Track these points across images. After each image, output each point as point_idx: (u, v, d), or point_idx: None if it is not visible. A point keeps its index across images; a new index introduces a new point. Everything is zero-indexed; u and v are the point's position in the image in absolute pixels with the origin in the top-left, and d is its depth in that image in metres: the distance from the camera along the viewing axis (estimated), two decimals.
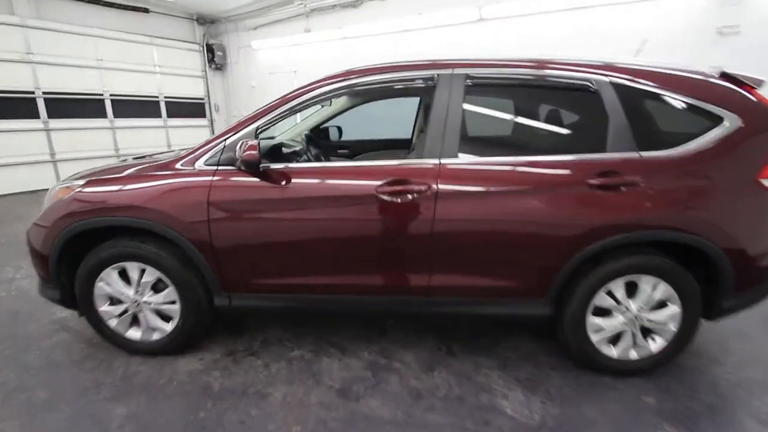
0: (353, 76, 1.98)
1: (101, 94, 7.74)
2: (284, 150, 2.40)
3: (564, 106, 2.01)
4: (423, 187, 1.79)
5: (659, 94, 1.80)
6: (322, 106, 2.96)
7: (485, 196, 1.81)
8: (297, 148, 2.55)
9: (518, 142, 2.06)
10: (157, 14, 8.55)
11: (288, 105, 1.97)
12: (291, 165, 1.94)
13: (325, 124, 3.25)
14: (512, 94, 2.05)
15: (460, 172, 1.83)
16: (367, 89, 2.05)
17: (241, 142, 1.82)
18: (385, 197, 1.80)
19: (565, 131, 2.02)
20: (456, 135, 1.84)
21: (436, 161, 1.82)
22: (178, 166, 1.96)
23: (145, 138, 8.45)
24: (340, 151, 3.42)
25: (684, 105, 1.78)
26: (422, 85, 1.97)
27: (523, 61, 1.91)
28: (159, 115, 8.79)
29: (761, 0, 4.23)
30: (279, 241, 1.91)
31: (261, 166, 1.83)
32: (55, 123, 7.12)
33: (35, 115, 6.88)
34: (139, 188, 1.95)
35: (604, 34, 5.07)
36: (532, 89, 1.95)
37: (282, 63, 8.66)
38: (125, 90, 8.08)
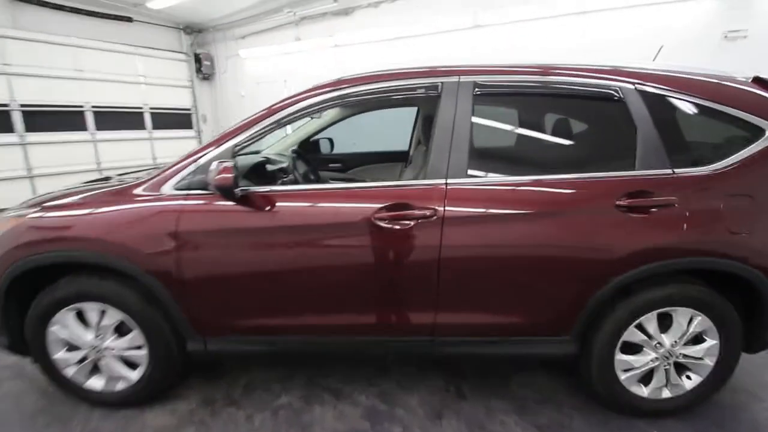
0: (345, 86, 1.75)
1: (82, 106, 7.42)
2: (269, 167, 2.16)
3: (583, 117, 1.79)
4: (427, 212, 1.55)
5: (693, 103, 1.60)
6: (312, 118, 2.73)
7: (499, 221, 1.58)
8: (284, 165, 2.30)
9: (534, 159, 1.82)
10: (141, 23, 8.28)
11: (273, 118, 1.73)
12: (274, 188, 1.69)
13: (316, 137, 3.03)
14: (528, 105, 1.82)
15: (470, 193, 1.60)
16: (360, 99, 1.81)
17: (214, 163, 1.57)
18: (384, 224, 1.56)
19: (586, 146, 1.81)
20: (464, 151, 1.61)
21: (442, 181, 1.59)
22: (140, 190, 1.70)
23: (128, 151, 8.11)
24: (331, 164, 3.19)
25: (721, 115, 1.58)
26: (423, 95, 1.75)
27: (538, 66, 1.70)
28: (143, 127, 8.47)
29: None
30: (260, 276, 1.66)
31: (239, 189, 1.58)
32: (32, 137, 6.77)
33: (10, 129, 6.55)
34: (97, 217, 1.69)
35: (606, 40, 4.92)
36: (549, 98, 1.74)
37: (272, 72, 8.43)
38: (108, 101, 7.76)
